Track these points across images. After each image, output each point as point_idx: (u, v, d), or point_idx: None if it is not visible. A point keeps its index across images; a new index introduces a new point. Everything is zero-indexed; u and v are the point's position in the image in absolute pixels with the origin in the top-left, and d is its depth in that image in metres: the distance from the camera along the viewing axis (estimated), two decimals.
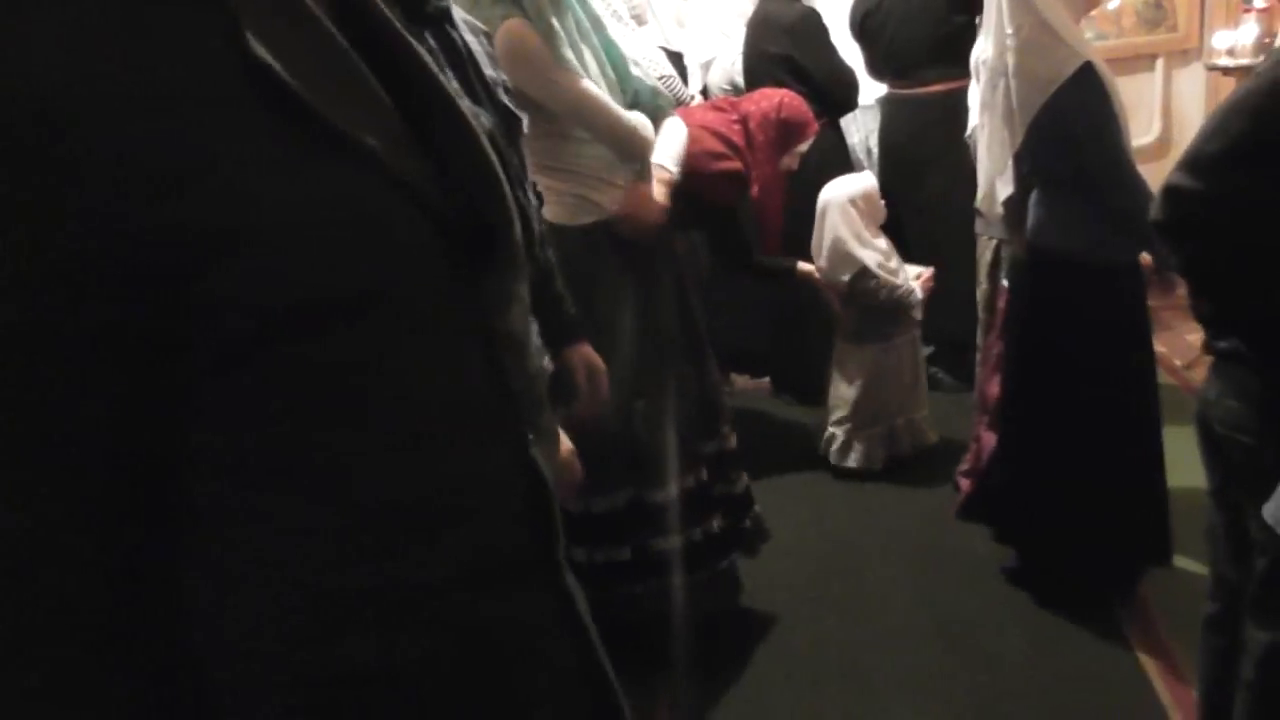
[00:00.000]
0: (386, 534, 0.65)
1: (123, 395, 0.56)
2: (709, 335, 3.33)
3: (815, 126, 3.17)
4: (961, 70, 3.60)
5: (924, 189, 3.80)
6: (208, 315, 0.57)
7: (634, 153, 2.07)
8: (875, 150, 4.20)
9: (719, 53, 3.99)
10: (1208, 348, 1.55)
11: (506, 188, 0.74)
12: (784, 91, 3.19)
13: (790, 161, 3.07)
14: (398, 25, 0.71)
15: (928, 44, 3.65)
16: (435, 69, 0.71)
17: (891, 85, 3.87)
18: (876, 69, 3.87)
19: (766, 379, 4.21)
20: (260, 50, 0.57)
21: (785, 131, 2.99)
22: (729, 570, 2.44)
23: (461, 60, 1.03)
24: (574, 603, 0.80)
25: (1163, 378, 3.53)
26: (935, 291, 3.52)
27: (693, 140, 2.43)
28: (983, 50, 2.37)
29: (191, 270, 0.55)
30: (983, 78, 2.35)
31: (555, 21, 1.94)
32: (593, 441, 1.45)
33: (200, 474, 0.61)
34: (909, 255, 3.84)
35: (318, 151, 0.60)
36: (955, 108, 3.59)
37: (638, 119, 2.06)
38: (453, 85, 0.78)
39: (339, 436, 0.62)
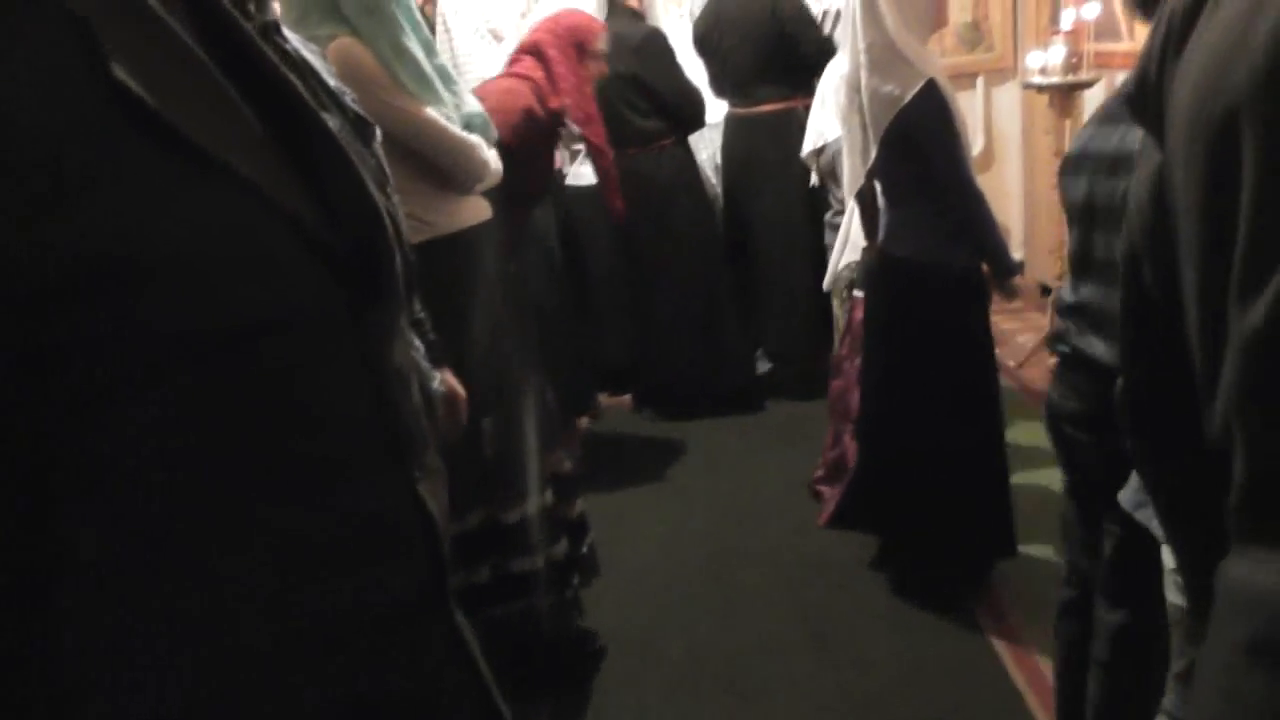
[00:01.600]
0: (272, 574, 0.62)
1: None
2: (573, 353, 3.32)
3: (601, 24, 3.06)
4: (791, 90, 3.75)
5: (761, 204, 3.92)
6: (82, 347, 0.54)
7: (472, 173, 2.04)
8: None
9: None
10: (1051, 350, 1.64)
11: (387, 218, 0.71)
12: (561, 8, 3.07)
13: (596, 66, 2.90)
14: (265, 48, 0.68)
15: (758, 65, 3.77)
16: (306, 93, 0.68)
17: (730, 103, 3.97)
18: (718, 86, 3.96)
19: (628, 396, 4.22)
20: (125, 76, 0.54)
21: (575, 38, 2.84)
22: (573, 599, 2.42)
23: (301, 72, 0.99)
24: (464, 638, 0.78)
25: (1001, 381, 3.76)
26: (773, 304, 3.68)
27: (496, 103, 2.40)
28: (840, 66, 2.46)
29: (63, 300, 0.53)
30: (842, 92, 2.44)
31: (395, 41, 1.89)
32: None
33: (79, 512, 0.57)
34: (753, 267, 3.96)
35: (193, 179, 0.57)
36: (787, 126, 3.74)
37: (475, 140, 2.03)
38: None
39: (220, 474, 0.60)
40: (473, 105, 2.09)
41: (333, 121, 0.73)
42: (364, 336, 0.68)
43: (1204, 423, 0.65)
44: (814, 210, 3.78)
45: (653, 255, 3.93)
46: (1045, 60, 3.92)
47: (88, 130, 0.53)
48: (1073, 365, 1.55)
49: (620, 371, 4.17)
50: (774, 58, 3.72)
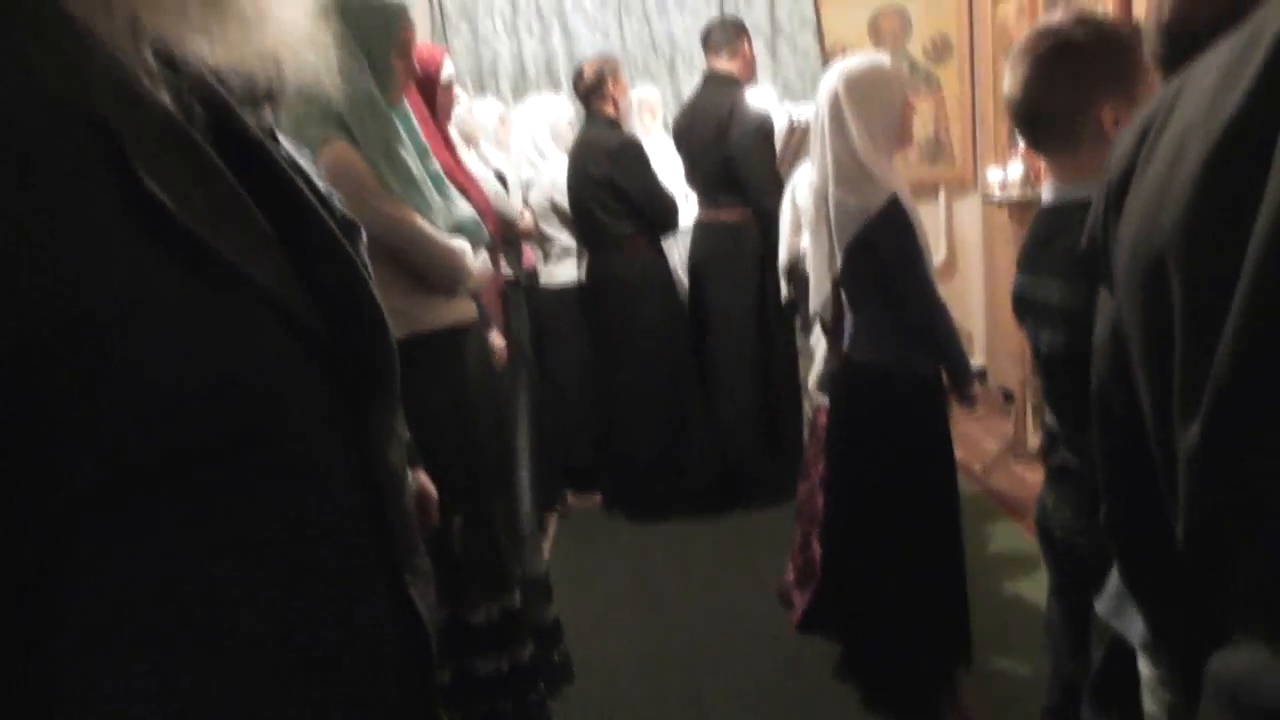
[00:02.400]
0: (258, 678, 0.61)
1: None
2: (539, 451, 3.31)
3: (440, 49, 2.80)
4: (745, 203, 3.86)
5: (715, 309, 4.02)
6: (87, 446, 0.54)
7: (451, 276, 2.07)
8: None
9: (538, 173, 4.10)
10: (1044, 460, 1.67)
11: (390, 325, 0.73)
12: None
13: (445, 98, 2.64)
14: (276, 154, 0.70)
15: (716, 174, 3.89)
16: (315, 200, 0.70)
17: (699, 205, 4.09)
18: (690, 184, 4.08)
19: (597, 495, 4.20)
20: (151, 185, 0.56)
21: (427, 92, 2.53)
22: (537, 704, 2.37)
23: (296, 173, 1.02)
24: None
25: (969, 487, 3.80)
26: (721, 407, 3.76)
27: None
28: (806, 175, 2.54)
29: (70, 397, 0.53)
30: (810, 201, 2.52)
31: (388, 146, 1.94)
32: None
33: (65, 608, 0.57)
34: (709, 368, 4.02)
35: (209, 286, 0.58)
36: (742, 235, 3.86)
37: (460, 245, 2.07)
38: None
39: (212, 573, 0.59)
40: (464, 210, 2.13)
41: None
42: (363, 439, 0.69)
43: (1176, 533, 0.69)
44: (766, 319, 3.89)
45: (622, 354, 3.97)
46: (1004, 176, 4.08)
47: (109, 240, 0.54)
48: (1062, 476, 1.58)
49: (588, 470, 4.16)
50: (725, 172, 3.84)
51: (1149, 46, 1.02)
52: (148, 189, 0.55)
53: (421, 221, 1.99)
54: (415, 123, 2.06)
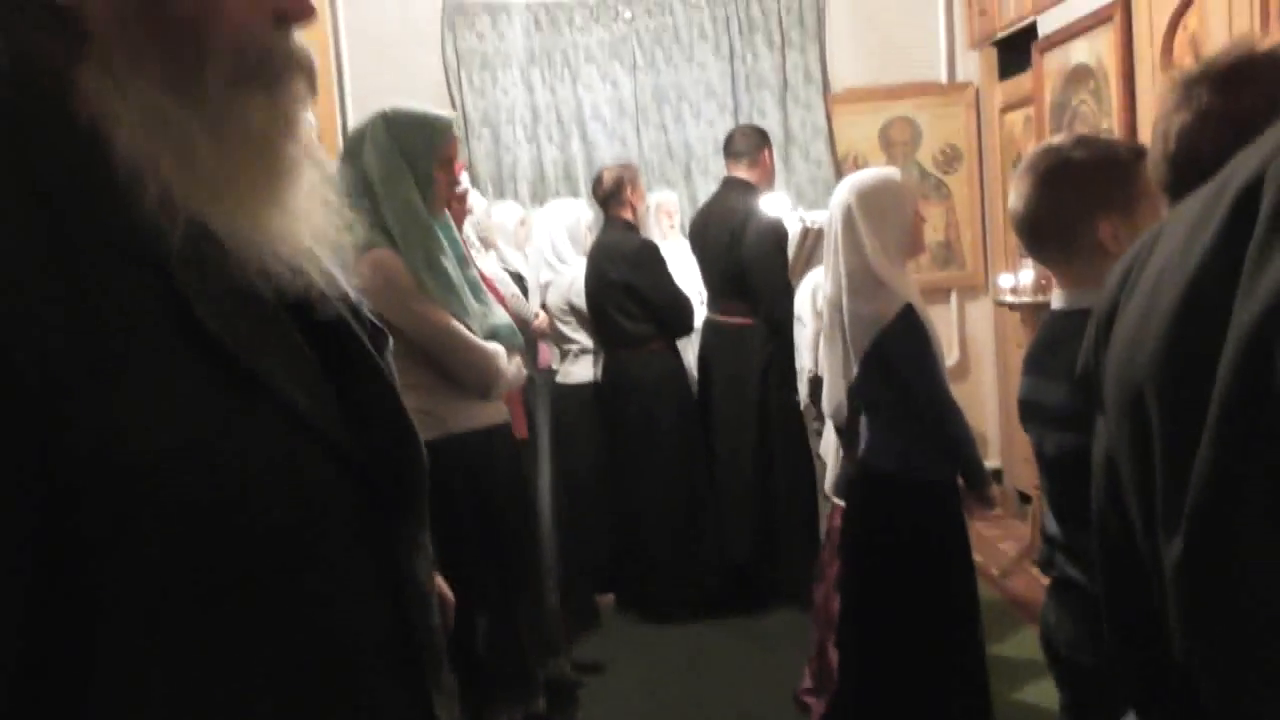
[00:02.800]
0: None
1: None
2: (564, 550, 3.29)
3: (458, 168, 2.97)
4: (747, 307, 3.92)
5: (720, 410, 4.05)
6: (126, 576, 0.57)
7: (484, 380, 2.12)
8: None
9: (556, 275, 4.18)
10: (1043, 571, 1.68)
11: (420, 443, 0.76)
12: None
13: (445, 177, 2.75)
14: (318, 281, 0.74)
15: (726, 279, 3.96)
16: (356, 325, 0.74)
17: (708, 306, 4.15)
18: (705, 284, 4.14)
19: (610, 595, 4.16)
20: (205, 317, 0.60)
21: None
22: None
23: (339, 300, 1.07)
24: None
25: (988, 593, 3.75)
26: (727, 508, 3.76)
27: None
28: (822, 287, 2.60)
29: (111, 531, 0.56)
30: (825, 310, 2.57)
31: (429, 253, 2.01)
32: None
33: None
34: (715, 468, 4.02)
35: (252, 409, 0.62)
36: (747, 340, 3.92)
37: (495, 349, 2.12)
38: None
39: (242, 696, 0.61)
40: (500, 316, 2.19)
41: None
42: (391, 556, 0.71)
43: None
44: (768, 420, 3.91)
45: (637, 454, 3.99)
46: (1016, 281, 4.14)
47: (163, 370, 0.58)
48: (1064, 588, 1.58)
49: (602, 569, 4.13)
50: (735, 277, 3.92)
51: (1156, 175, 1.08)
52: (203, 323, 0.60)
53: (459, 326, 2.05)
54: (455, 231, 2.14)
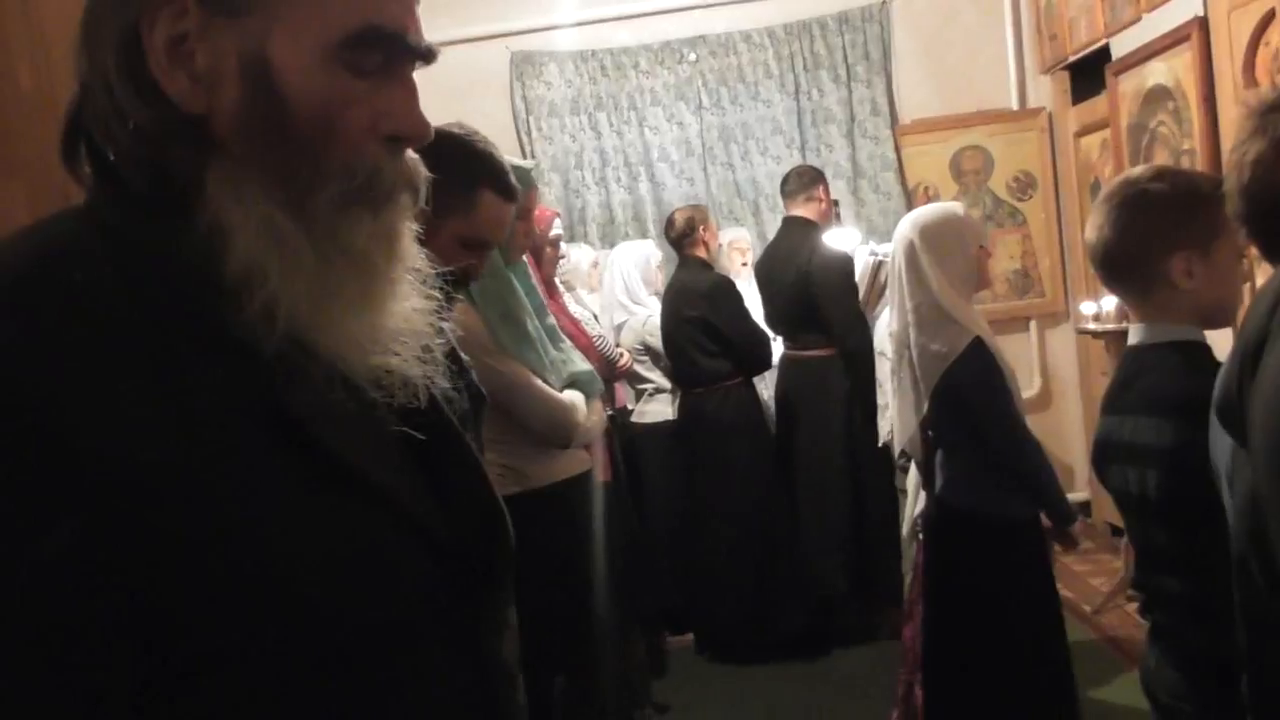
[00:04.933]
0: None
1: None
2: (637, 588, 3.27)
3: (551, 212, 3.08)
4: (824, 340, 3.90)
5: (802, 446, 4.01)
6: (208, 656, 0.58)
7: (561, 433, 2.11)
8: None
9: (630, 315, 4.21)
10: (1143, 615, 1.62)
11: (508, 524, 0.76)
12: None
13: (552, 253, 2.92)
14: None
15: (798, 313, 3.94)
16: (449, 411, 0.75)
17: (783, 344, 4.13)
18: (772, 325, 4.13)
19: (689, 635, 4.13)
20: (295, 407, 0.63)
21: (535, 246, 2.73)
22: None
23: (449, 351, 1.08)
24: None
25: (1081, 633, 3.62)
26: (812, 546, 3.74)
27: None
28: (890, 324, 2.58)
29: (194, 617, 0.57)
30: (891, 349, 2.55)
31: (504, 306, 2.03)
32: None
33: None
34: (798, 505, 3.97)
35: (337, 495, 0.63)
36: (829, 371, 3.88)
37: (572, 398, 2.12)
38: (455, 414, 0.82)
39: None
40: (579, 364, 2.19)
41: (460, 402, 0.80)
42: (476, 639, 0.71)
43: None
44: (855, 454, 3.87)
45: (714, 492, 3.97)
46: (1098, 309, 4.04)
47: (246, 453, 0.60)
48: (1159, 635, 1.52)
49: (679, 610, 4.10)
50: (807, 312, 3.90)
51: (1231, 206, 1.05)
52: (294, 417, 0.62)
53: (534, 379, 2.04)
54: (533, 280, 2.15)
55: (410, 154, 0.71)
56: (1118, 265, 1.56)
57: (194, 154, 0.64)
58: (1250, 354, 0.75)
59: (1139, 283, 1.54)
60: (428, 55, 0.70)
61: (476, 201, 1.58)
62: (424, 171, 0.72)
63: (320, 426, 0.63)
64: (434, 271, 0.74)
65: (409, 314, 0.71)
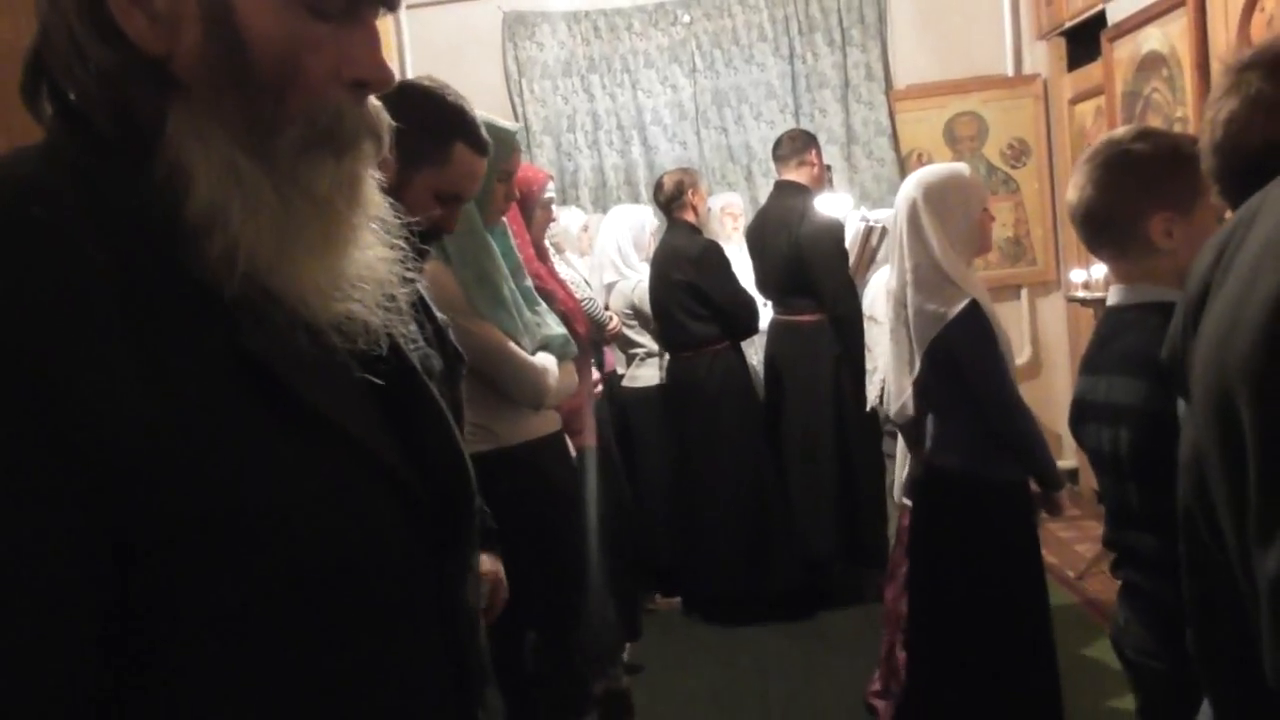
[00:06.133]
0: None
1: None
2: (619, 551, 3.29)
3: (545, 174, 3.08)
4: (813, 305, 3.90)
5: (790, 409, 4.02)
6: (169, 590, 0.59)
7: (531, 394, 2.12)
8: None
9: (620, 279, 4.20)
10: (1113, 573, 1.64)
11: (472, 474, 0.77)
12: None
13: (544, 215, 2.90)
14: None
15: (789, 278, 3.94)
16: (415, 359, 0.76)
17: (773, 308, 4.13)
18: (761, 289, 4.13)
19: (677, 599, 4.17)
20: (254, 347, 0.63)
21: (524, 205, 2.75)
22: None
23: (421, 310, 1.08)
24: None
25: (1064, 597, 3.66)
26: (800, 509, 3.76)
27: None
28: (889, 282, 2.57)
29: (158, 552, 0.58)
30: (882, 312, 2.55)
31: (479, 267, 2.02)
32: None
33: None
34: (786, 468, 3.99)
35: (299, 434, 0.64)
36: (819, 336, 3.88)
37: (544, 361, 2.12)
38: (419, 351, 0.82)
39: (290, 708, 0.63)
40: (553, 328, 2.19)
41: (436, 360, 0.81)
42: (440, 580, 0.72)
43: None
44: (843, 419, 3.89)
45: (702, 456, 3.99)
46: (1088, 276, 4.04)
47: (212, 397, 0.61)
48: (1131, 591, 1.54)
49: (669, 572, 4.14)
50: (797, 277, 3.89)
51: (1205, 164, 1.04)
52: (256, 356, 0.63)
53: (506, 341, 2.04)
54: (512, 241, 2.14)
55: (374, 101, 0.70)
56: (1098, 225, 1.56)
57: (155, 95, 0.64)
58: (1193, 309, 0.75)
59: (1119, 243, 1.55)
60: (389, 1, 0.69)
61: (449, 154, 1.58)
62: (387, 119, 0.72)
63: (282, 369, 0.63)
64: (401, 222, 0.74)
65: (372, 262, 0.71)
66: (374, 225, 0.72)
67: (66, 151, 0.65)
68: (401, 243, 0.74)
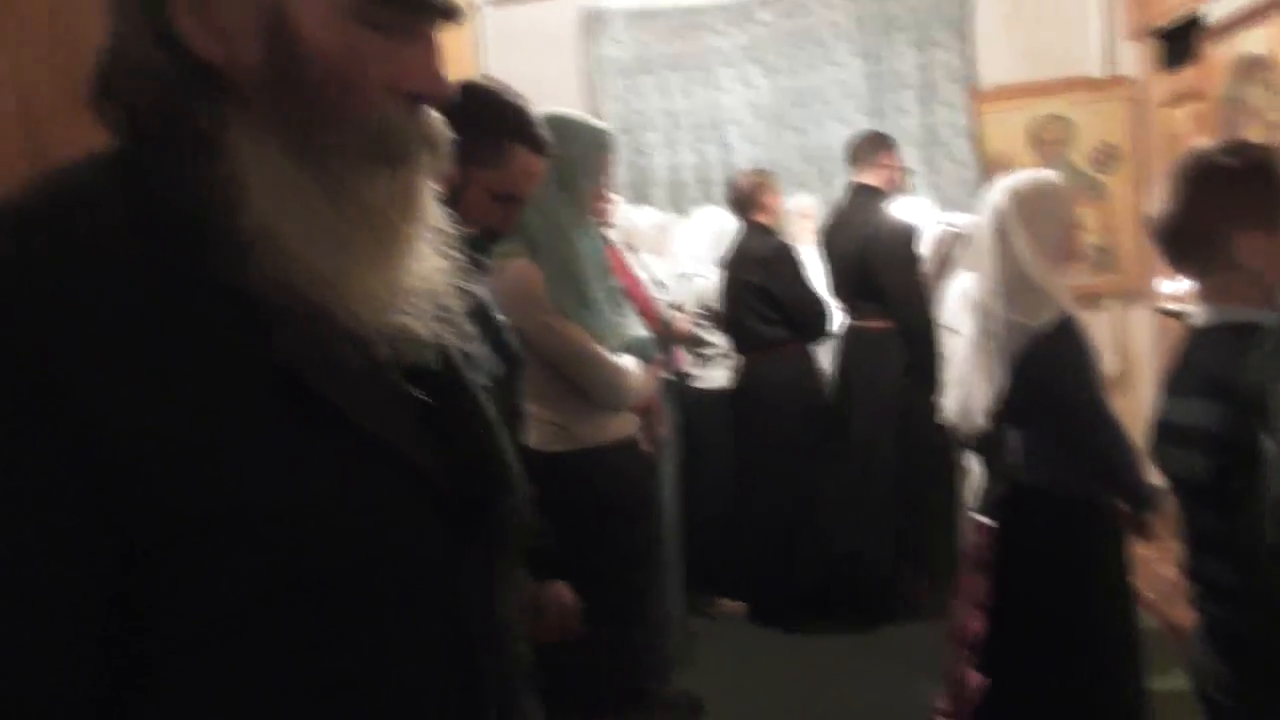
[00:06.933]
0: None
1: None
2: (685, 553, 3.27)
3: None
4: (883, 311, 3.81)
5: (854, 417, 3.94)
6: (180, 591, 0.59)
7: (612, 395, 2.10)
8: None
9: (696, 280, 4.18)
10: (1192, 605, 1.57)
11: (518, 480, 0.76)
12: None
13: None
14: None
15: (858, 283, 3.86)
16: (461, 362, 0.74)
17: (845, 313, 4.06)
18: (834, 291, 4.06)
19: (742, 602, 4.13)
20: (285, 355, 0.63)
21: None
22: None
23: (478, 310, 1.08)
24: None
25: (1145, 620, 3.52)
26: (852, 511, 3.70)
27: None
28: (970, 288, 2.50)
29: (177, 546, 0.59)
30: (971, 316, 2.47)
31: (565, 266, 2.01)
32: (548, 667, 1.39)
33: None
34: (852, 477, 3.90)
35: (324, 433, 0.64)
36: (886, 345, 3.79)
37: (627, 363, 2.11)
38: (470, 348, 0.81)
39: (286, 714, 0.63)
40: (636, 329, 2.18)
41: (492, 362, 0.80)
42: (467, 593, 0.71)
43: None
44: (911, 429, 3.78)
45: (766, 458, 3.95)
46: (1178, 288, 3.89)
47: (234, 401, 0.61)
48: (1213, 627, 1.47)
49: (734, 576, 4.11)
50: (867, 282, 3.81)
51: None
52: (286, 362, 0.63)
53: (589, 342, 2.04)
54: (600, 241, 2.13)
55: (432, 113, 0.70)
56: (1181, 242, 1.49)
57: (214, 105, 0.65)
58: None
59: (1202, 261, 1.48)
60: (449, 13, 0.69)
61: (507, 154, 1.58)
62: (446, 131, 0.71)
63: (311, 375, 0.63)
64: (459, 231, 0.74)
65: (427, 273, 0.71)
66: (430, 236, 0.71)
67: (129, 158, 0.66)
68: (458, 252, 0.73)
